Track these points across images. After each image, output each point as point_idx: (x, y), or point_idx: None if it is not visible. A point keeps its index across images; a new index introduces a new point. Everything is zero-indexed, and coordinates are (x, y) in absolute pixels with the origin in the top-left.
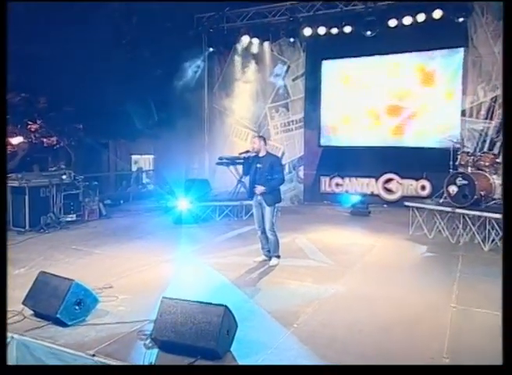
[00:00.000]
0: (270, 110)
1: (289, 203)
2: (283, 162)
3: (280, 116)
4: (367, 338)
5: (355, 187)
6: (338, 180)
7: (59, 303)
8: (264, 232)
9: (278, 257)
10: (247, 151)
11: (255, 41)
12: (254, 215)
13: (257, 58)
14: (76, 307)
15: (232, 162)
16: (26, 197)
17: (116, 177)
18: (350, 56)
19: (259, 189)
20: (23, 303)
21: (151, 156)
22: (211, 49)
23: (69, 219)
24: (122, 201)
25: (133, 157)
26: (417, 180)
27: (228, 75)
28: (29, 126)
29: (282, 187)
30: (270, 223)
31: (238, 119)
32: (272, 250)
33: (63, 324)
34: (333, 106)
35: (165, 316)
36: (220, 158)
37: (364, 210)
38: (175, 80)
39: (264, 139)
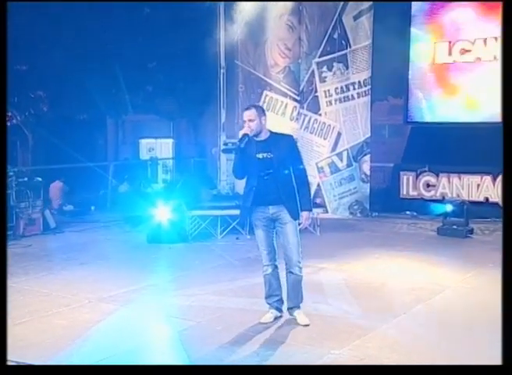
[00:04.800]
0: (319, 67)
1: (346, 214)
2: (342, 147)
3: (335, 75)
4: None
5: (457, 190)
6: (429, 177)
7: None
8: (277, 268)
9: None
10: (244, 136)
11: None
12: (262, 241)
13: None
14: None
15: None
16: None
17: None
18: None
19: (306, 216)
20: None
21: (171, 140)
22: None
23: None
24: (93, 208)
25: (144, 142)
26: None
27: (256, 14)
28: None
29: (338, 190)
30: (298, 250)
31: (272, 83)
32: (292, 296)
33: None
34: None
35: None
36: (225, 144)
37: (461, 228)
38: (173, 25)
39: (264, 110)
